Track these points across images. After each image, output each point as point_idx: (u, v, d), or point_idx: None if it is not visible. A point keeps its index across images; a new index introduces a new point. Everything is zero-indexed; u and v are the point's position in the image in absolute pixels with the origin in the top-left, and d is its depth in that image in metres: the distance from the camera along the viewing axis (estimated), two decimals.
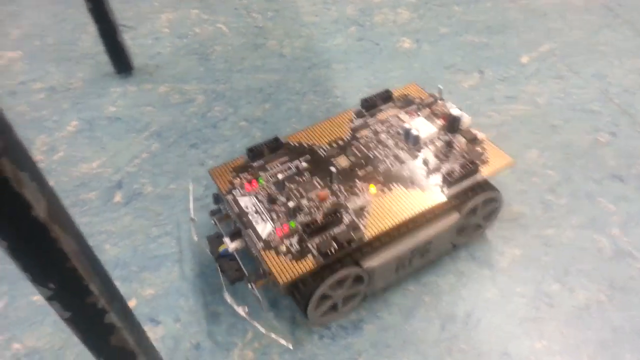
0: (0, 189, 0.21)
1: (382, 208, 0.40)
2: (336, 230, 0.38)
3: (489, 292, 0.43)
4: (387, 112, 0.48)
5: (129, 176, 0.54)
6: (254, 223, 0.39)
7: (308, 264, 0.36)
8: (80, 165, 0.55)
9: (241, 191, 0.41)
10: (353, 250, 0.38)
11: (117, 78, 0.65)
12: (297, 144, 0.45)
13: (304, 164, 0.43)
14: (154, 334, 0.41)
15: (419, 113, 0.48)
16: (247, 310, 0.39)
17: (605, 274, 0.43)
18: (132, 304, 0.43)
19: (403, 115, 0.47)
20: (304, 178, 0.42)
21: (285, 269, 0.36)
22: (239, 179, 0.42)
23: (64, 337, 0.41)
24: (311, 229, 0.37)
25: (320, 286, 0.37)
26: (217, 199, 0.43)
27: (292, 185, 0.41)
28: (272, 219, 0.39)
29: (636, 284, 0.43)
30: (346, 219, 0.39)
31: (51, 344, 0.41)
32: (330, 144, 0.45)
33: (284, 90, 0.63)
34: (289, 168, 0.43)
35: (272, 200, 0.40)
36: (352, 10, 0.75)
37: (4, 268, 0.46)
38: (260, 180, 0.42)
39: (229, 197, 0.41)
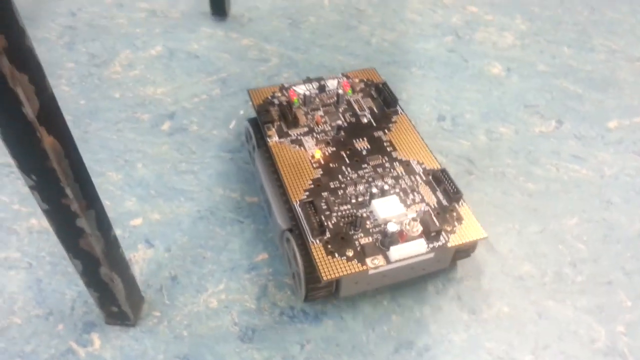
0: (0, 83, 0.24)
1: (296, 157, 0.45)
2: (277, 122, 0.48)
3: (458, 336, 0.42)
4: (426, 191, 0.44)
5: (183, 111, 0.57)
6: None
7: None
8: (148, 87, 0.60)
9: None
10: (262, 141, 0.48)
11: (211, 20, 0.69)
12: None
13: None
14: (143, 253, 0.45)
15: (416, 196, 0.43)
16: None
17: None
18: (137, 221, 0.47)
19: (424, 189, 0.44)
20: (334, 111, 0.50)
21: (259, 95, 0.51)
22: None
23: None
24: (281, 111, 0.49)
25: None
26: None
27: (323, 108, 0.50)
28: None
29: None
30: (292, 132, 0.47)
31: None
32: (385, 129, 0.48)
33: None
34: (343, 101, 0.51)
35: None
36: (458, 19, 0.73)
37: None
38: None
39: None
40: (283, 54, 0.65)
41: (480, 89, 0.63)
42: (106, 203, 0.48)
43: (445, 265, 0.44)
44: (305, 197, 0.42)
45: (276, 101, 0.50)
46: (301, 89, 0.51)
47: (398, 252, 0.39)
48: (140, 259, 0.45)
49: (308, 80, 0.52)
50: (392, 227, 0.39)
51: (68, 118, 0.56)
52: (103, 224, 0.33)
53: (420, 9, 0.75)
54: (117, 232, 0.46)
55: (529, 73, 0.66)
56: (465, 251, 0.44)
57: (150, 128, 0.55)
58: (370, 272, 0.39)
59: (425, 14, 0.74)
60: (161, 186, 0.50)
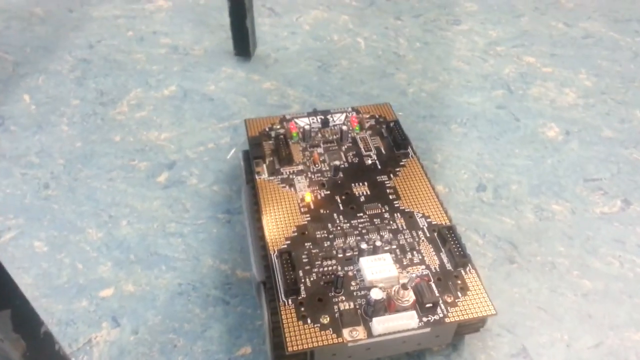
0: None
1: (284, 199, 0.40)
2: (269, 158, 0.44)
3: None
4: (427, 250, 0.38)
5: (185, 161, 0.51)
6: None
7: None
8: (152, 131, 0.54)
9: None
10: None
11: (234, 59, 0.63)
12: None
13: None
14: (107, 334, 0.38)
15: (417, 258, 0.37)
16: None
17: None
18: (108, 292, 0.41)
19: (426, 249, 0.38)
20: (335, 149, 0.45)
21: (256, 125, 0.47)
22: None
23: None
24: (275, 145, 0.45)
25: None
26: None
27: (324, 145, 0.45)
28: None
29: None
30: (284, 170, 0.43)
31: None
32: (390, 174, 0.43)
33: None
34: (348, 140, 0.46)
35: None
36: (512, 70, 0.65)
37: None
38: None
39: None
40: (306, 100, 0.58)
41: (531, 154, 0.54)
42: (78, 266, 0.42)
43: (447, 341, 0.37)
44: (285, 246, 0.37)
45: (273, 134, 0.46)
46: (303, 122, 0.47)
47: (382, 325, 0.32)
48: (101, 341, 0.38)
49: (314, 113, 0.48)
50: (375, 295, 0.33)
51: (60, 162, 0.52)
52: (25, 323, 0.27)
53: (469, 57, 0.66)
54: (83, 303, 0.40)
55: (591, 139, 0.56)
56: (472, 325, 0.37)
57: (145, 179, 0.49)
58: (350, 344, 0.33)
59: (473, 63, 0.66)
60: (143, 250, 0.44)
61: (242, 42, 0.61)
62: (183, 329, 0.39)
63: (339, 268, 0.36)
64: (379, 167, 0.44)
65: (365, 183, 0.42)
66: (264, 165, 0.43)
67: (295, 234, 0.38)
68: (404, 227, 0.39)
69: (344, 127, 0.46)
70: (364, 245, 0.36)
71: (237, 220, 0.46)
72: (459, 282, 0.35)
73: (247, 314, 0.40)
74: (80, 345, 0.38)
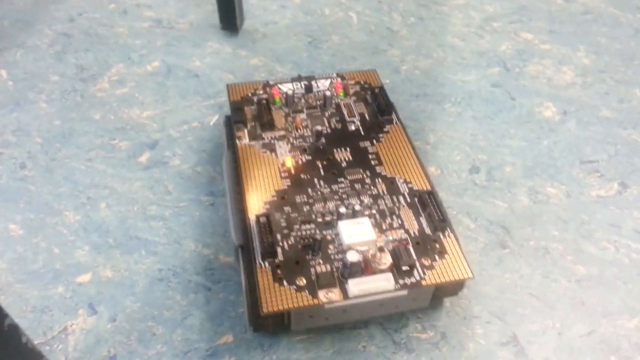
0: None
1: (264, 164, 0.40)
2: (251, 123, 0.43)
3: None
4: (406, 214, 0.38)
5: (168, 140, 0.49)
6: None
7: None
8: (134, 109, 0.52)
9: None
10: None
11: (220, 34, 0.61)
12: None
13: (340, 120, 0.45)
14: (83, 322, 0.37)
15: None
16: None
17: None
18: (85, 278, 0.39)
19: (406, 213, 0.37)
20: (318, 115, 0.44)
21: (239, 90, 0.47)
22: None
23: None
24: (257, 110, 0.44)
25: None
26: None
27: (307, 110, 0.45)
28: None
29: None
30: (265, 135, 0.42)
31: None
32: (373, 140, 0.43)
33: None
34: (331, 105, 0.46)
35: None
36: (508, 47, 0.62)
37: None
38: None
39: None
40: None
41: (527, 135, 0.52)
42: (54, 251, 0.41)
43: (425, 304, 0.37)
44: (264, 210, 0.37)
45: (255, 99, 0.45)
46: (287, 88, 0.46)
47: (358, 287, 0.32)
48: (77, 329, 0.37)
49: (298, 79, 0.47)
50: (352, 257, 0.33)
51: (37, 141, 0.49)
52: None
53: (464, 33, 0.64)
54: (59, 289, 0.39)
55: (589, 119, 0.54)
56: (450, 289, 0.37)
57: (125, 159, 0.47)
58: (327, 306, 0.33)
59: (469, 39, 0.63)
60: (122, 234, 0.42)
61: (229, 16, 0.59)
62: (162, 316, 0.37)
63: (318, 232, 0.36)
64: (362, 133, 0.43)
65: (348, 149, 0.42)
66: (245, 130, 0.42)
67: (275, 198, 0.38)
68: (385, 193, 0.39)
69: (328, 93, 0.45)
70: (343, 210, 0.36)
71: (220, 202, 0.44)
72: (437, 245, 0.35)
73: (229, 301, 0.38)
74: (56, 333, 0.36)
